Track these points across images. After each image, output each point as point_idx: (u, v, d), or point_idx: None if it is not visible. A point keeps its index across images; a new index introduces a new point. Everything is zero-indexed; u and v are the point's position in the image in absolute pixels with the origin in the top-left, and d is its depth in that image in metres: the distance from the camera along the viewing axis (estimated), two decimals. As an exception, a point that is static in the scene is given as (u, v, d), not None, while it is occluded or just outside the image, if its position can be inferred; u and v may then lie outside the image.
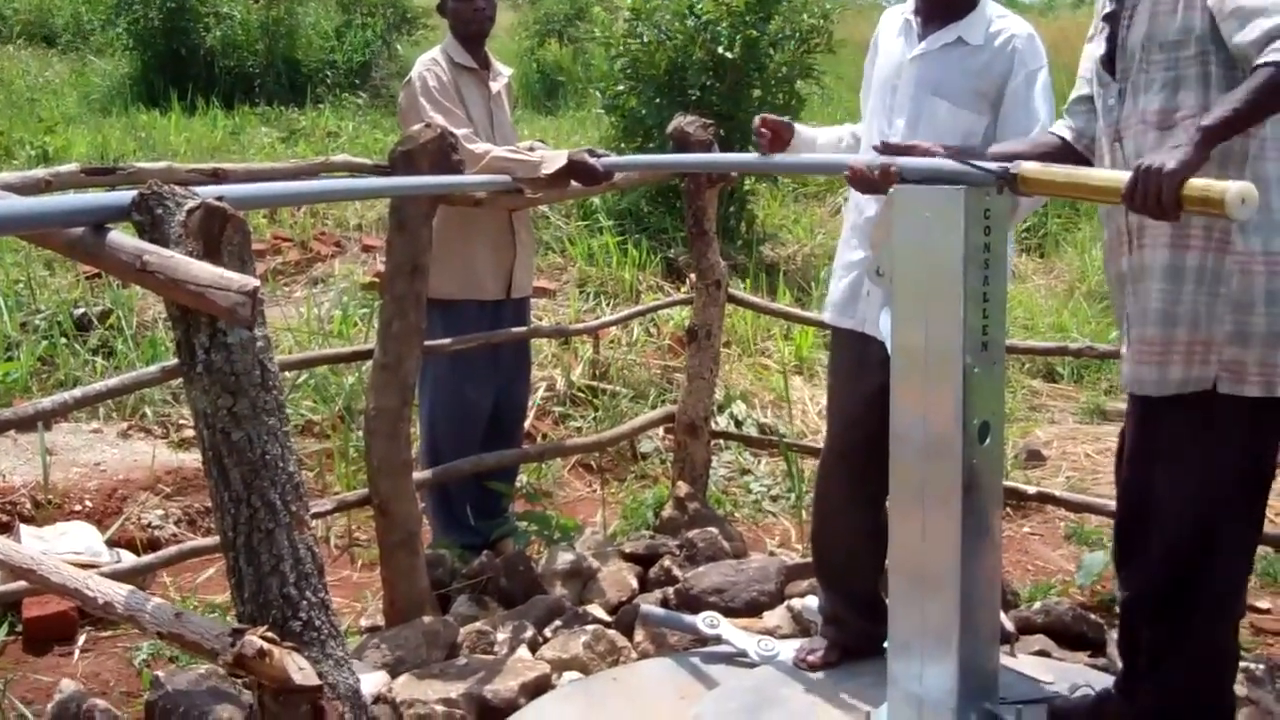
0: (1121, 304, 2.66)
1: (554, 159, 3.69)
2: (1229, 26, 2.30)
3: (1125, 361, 2.63)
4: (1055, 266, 9.12)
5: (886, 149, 2.75)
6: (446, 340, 3.77)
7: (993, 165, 2.52)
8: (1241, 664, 2.92)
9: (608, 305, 7.10)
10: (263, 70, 15.40)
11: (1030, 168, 2.48)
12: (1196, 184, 2.14)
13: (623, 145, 8.83)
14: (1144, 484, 2.65)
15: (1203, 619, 2.58)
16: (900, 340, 2.72)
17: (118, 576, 2.58)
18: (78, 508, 4.37)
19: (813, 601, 3.48)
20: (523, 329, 4.22)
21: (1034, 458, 5.45)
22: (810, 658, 3.23)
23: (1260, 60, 2.20)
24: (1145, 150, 2.43)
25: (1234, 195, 2.08)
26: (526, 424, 4.85)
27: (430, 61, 4.01)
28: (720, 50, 8.24)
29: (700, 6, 8.39)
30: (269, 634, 1.78)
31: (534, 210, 5.73)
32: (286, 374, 4.69)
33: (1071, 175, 2.43)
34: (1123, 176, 2.25)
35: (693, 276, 4.36)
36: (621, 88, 8.70)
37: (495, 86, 4.16)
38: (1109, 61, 2.60)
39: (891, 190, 2.75)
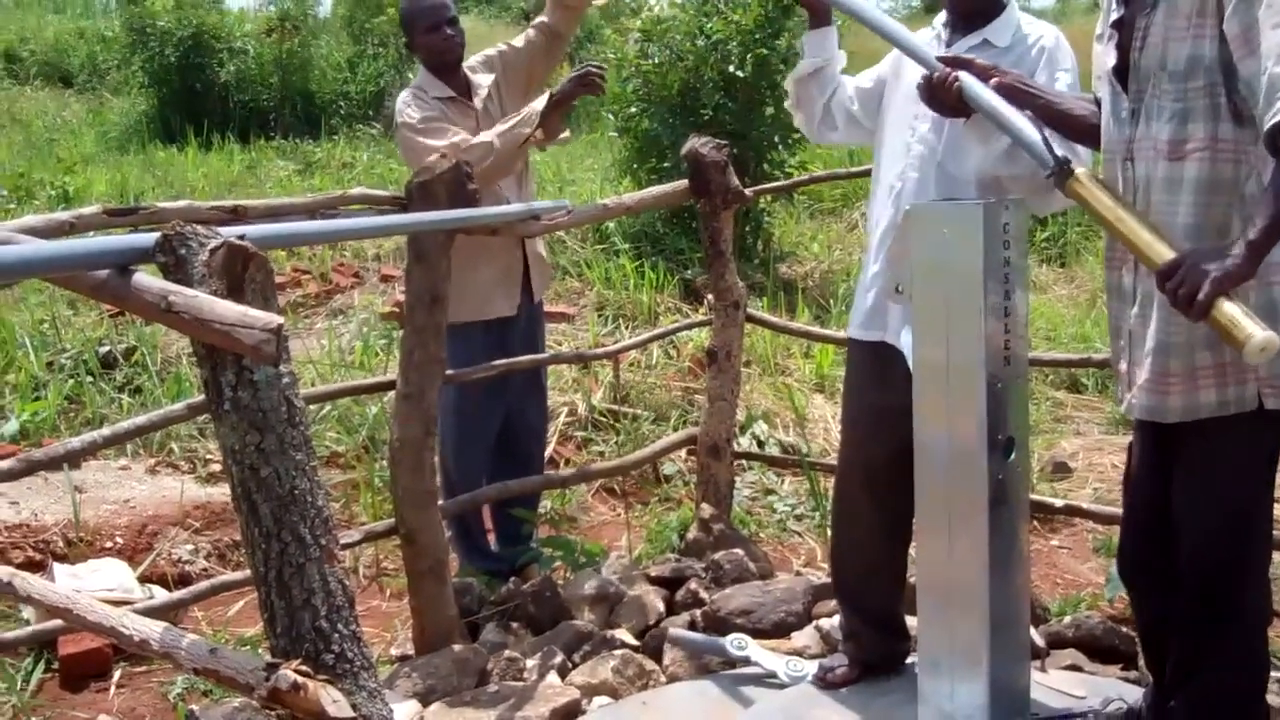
0: (1122, 317, 2.59)
1: (540, 99, 3.80)
2: (1240, 52, 2.26)
3: (1135, 389, 2.55)
4: (1077, 276, 9.10)
5: (952, 63, 2.74)
6: (470, 369, 3.77)
7: (1058, 149, 2.50)
8: (1273, 673, 2.90)
9: (627, 328, 7.12)
10: (277, 104, 15.55)
11: (1083, 176, 2.45)
12: (1227, 311, 2.12)
13: (637, 167, 8.87)
14: (1163, 502, 2.63)
15: (1239, 629, 2.56)
16: (922, 357, 2.72)
17: (151, 613, 2.61)
18: (109, 545, 4.40)
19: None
20: (540, 355, 4.22)
21: (1060, 470, 5.43)
22: (830, 676, 3.22)
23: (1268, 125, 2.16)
24: (1155, 179, 2.42)
25: (1256, 344, 2.08)
26: (549, 450, 4.85)
27: (408, 98, 4.00)
28: (732, 69, 8.29)
29: (711, 26, 8.44)
30: (303, 667, 1.79)
31: (551, 235, 5.75)
32: (310, 406, 4.71)
33: (1116, 215, 2.37)
34: (1165, 252, 2.23)
35: (710, 297, 4.36)
36: (634, 109, 8.73)
37: (479, 102, 4.13)
38: (1120, 73, 2.58)
39: (907, 209, 2.77)
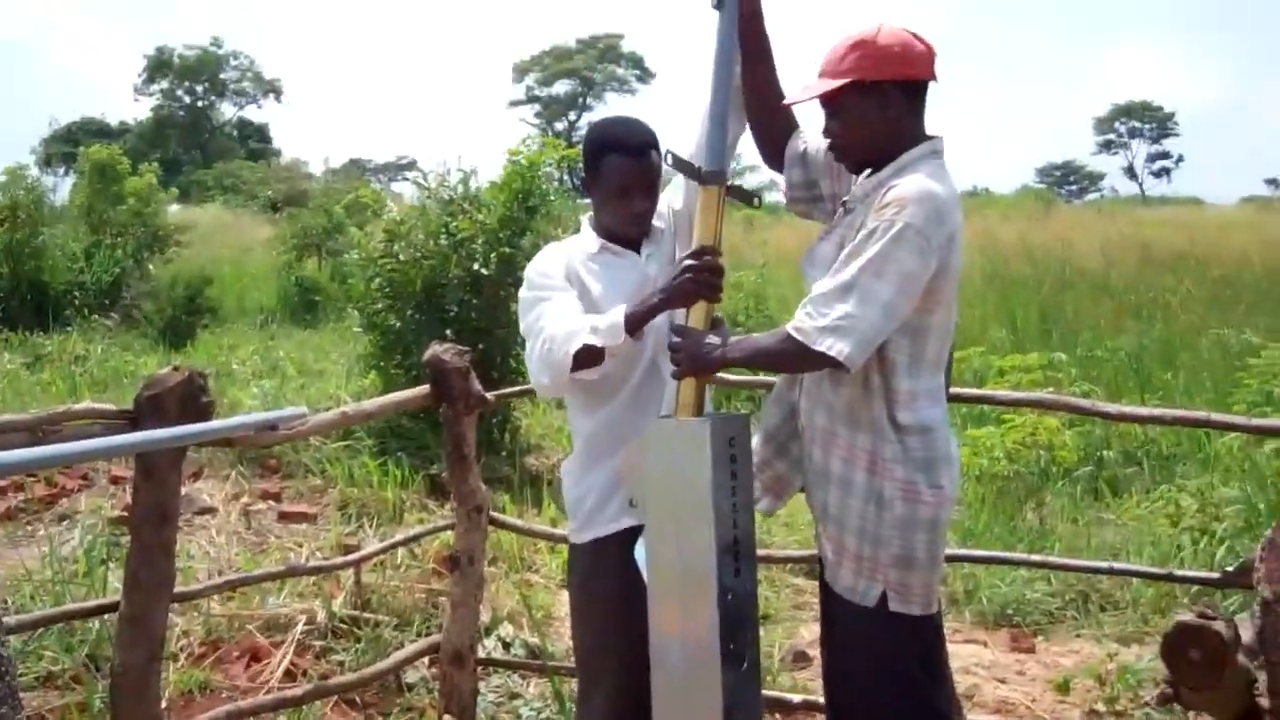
0: (776, 431, 2.96)
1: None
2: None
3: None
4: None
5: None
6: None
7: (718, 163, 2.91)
8: None
9: (371, 527, 6.98)
10: (7, 294, 14.92)
11: (714, 191, 2.91)
12: (684, 390, 2.82)
13: (384, 363, 8.84)
14: (830, 671, 2.90)
15: None
16: (656, 569, 2.77)
17: None
18: None
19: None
20: (258, 572, 4.10)
21: (800, 659, 5.52)
22: None
23: (791, 326, 2.63)
24: None
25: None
26: (286, 661, 4.67)
27: None
28: (477, 267, 8.41)
29: (455, 225, 8.56)
30: None
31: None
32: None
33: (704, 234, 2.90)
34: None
35: (454, 502, 4.34)
36: (380, 306, 8.74)
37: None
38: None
39: (647, 426, 2.86)
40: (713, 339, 2.75)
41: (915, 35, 2.76)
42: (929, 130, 2.82)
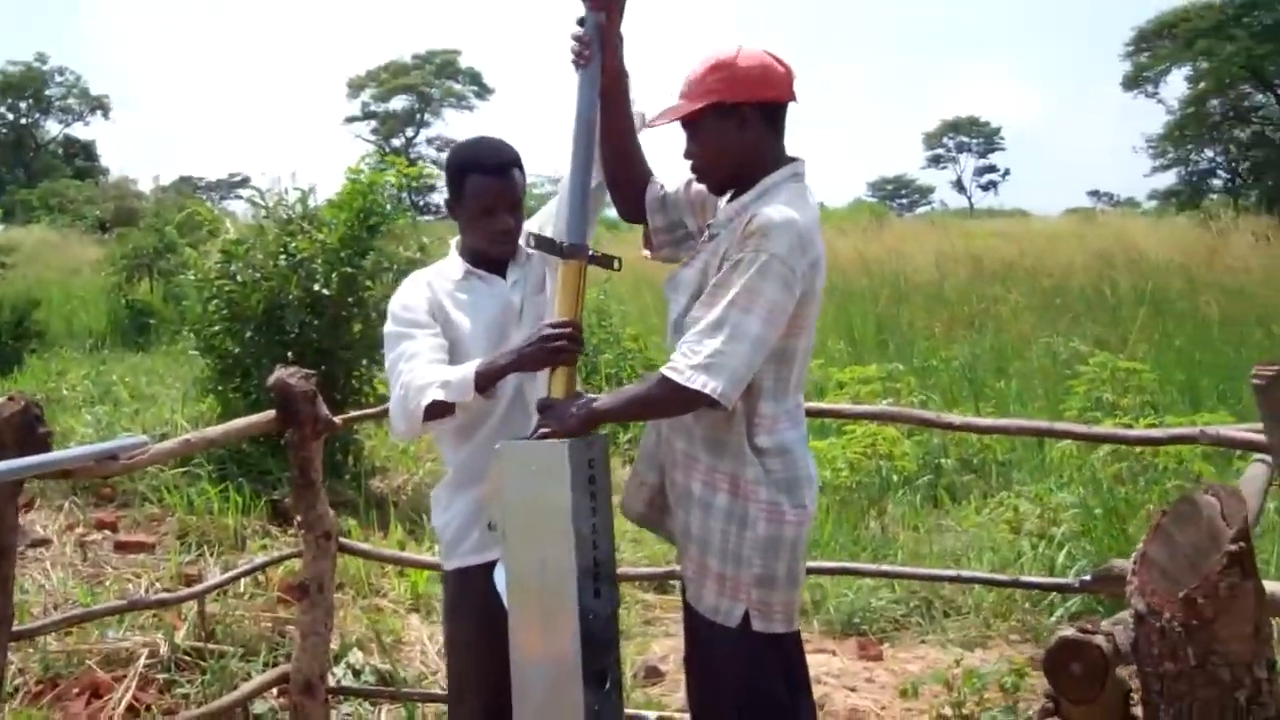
0: (654, 451, 2.94)
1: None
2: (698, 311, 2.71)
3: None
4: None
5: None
6: None
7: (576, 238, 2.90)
8: None
9: (212, 555, 6.80)
10: None
11: (574, 266, 2.90)
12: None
13: (221, 387, 8.62)
14: (694, 690, 2.94)
15: None
16: (516, 592, 2.76)
17: None
18: None
19: None
20: (118, 604, 3.97)
21: (652, 674, 5.55)
22: None
23: (666, 367, 2.65)
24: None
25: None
26: (130, 695, 4.52)
27: None
28: (317, 288, 8.26)
29: (294, 245, 8.40)
30: None
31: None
32: None
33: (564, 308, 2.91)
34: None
35: (301, 529, 4.25)
36: (217, 328, 8.51)
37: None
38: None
39: (498, 446, 2.83)
40: (575, 413, 2.78)
41: (774, 57, 2.80)
42: (790, 151, 2.86)
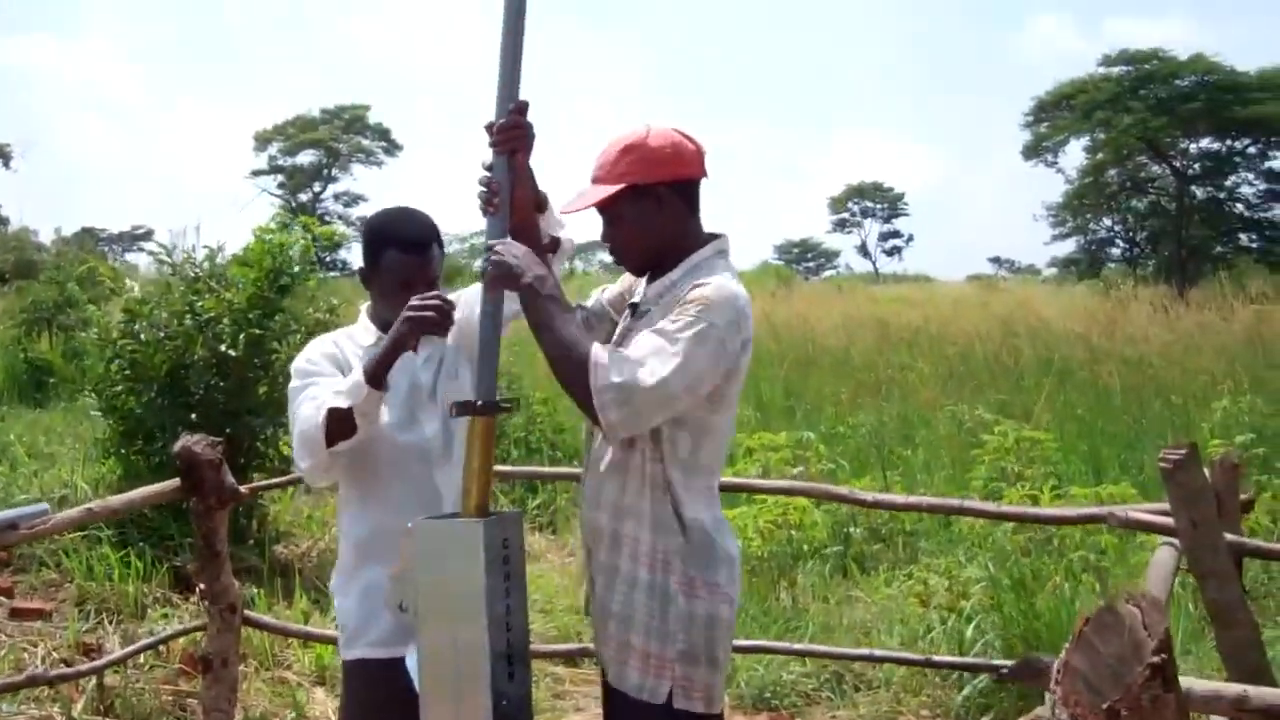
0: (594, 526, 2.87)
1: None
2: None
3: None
4: (568, 543, 9.35)
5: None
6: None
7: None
8: None
9: (111, 623, 6.61)
10: None
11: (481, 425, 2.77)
12: None
13: (124, 450, 8.42)
14: None
15: None
16: (428, 675, 2.71)
17: None
18: None
19: None
20: (16, 678, 3.85)
21: (550, 751, 5.50)
22: None
23: (596, 362, 2.62)
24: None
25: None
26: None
27: None
28: (224, 348, 8.12)
29: (201, 304, 8.26)
30: None
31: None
32: None
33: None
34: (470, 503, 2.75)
35: (205, 601, 4.16)
36: (120, 388, 8.32)
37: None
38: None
39: (410, 525, 2.78)
40: (537, 265, 2.72)
41: (684, 134, 2.82)
42: (704, 219, 2.88)
